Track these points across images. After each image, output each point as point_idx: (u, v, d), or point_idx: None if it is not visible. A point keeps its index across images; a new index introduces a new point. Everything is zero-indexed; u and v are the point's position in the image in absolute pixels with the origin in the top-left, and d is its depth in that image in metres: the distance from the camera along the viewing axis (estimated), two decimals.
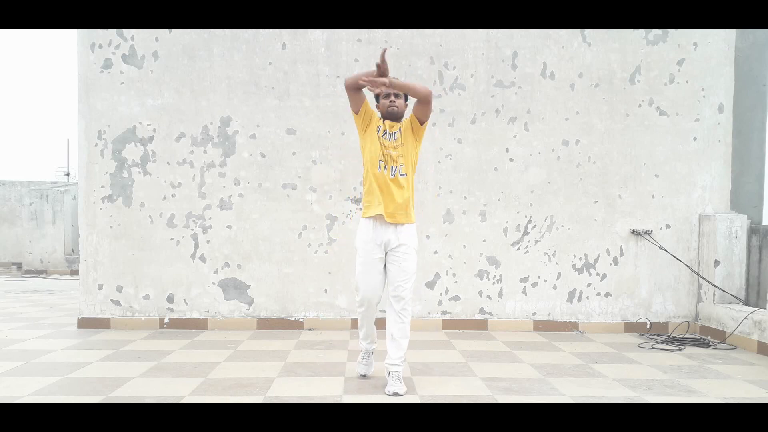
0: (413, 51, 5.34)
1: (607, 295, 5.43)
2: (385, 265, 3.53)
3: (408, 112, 3.61)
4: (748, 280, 5.27)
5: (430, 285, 5.41)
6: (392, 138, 3.50)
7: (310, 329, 5.36)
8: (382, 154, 3.48)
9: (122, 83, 5.29)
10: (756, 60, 5.32)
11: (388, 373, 3.48)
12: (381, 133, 3.51)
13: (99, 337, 4.98)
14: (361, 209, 4.70)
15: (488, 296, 5.42)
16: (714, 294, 5.21)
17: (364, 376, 3.73)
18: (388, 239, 3.47)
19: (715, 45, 5.37)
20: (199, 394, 3.34)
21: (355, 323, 5.31)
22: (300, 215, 5.37)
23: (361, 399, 3.28)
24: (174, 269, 5.35)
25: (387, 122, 3.53)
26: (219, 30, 5.30)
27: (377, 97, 3.56)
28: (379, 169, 3.49)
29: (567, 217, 5.40)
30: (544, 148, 5.39)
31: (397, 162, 3.49)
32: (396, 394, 3.37)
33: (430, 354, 4.42)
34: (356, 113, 3.56)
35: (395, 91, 3.45)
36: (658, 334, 5.26)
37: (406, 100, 3.55)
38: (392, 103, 3.47)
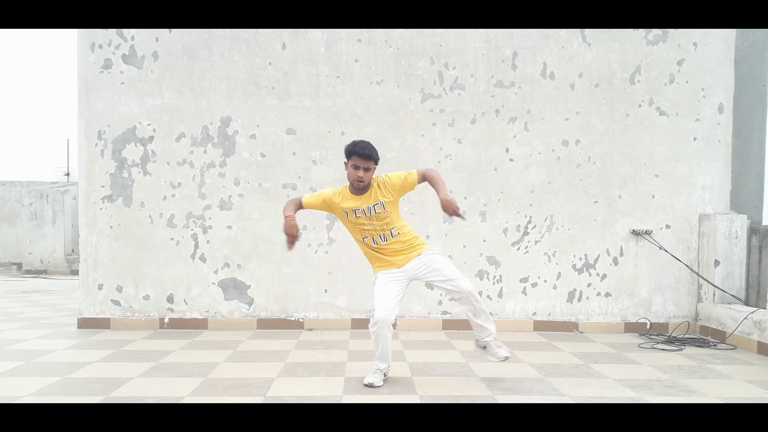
0: (413, 51, 5.34)
1: (607, 295, 5.43)
2: (406, 285, 3.61)
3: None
4: (748, 280, 5.27)
5: (430, 285, 5.40)
6: (372, 212, 3.49)
7: (310, 329, 5.36)
8: (364, 231, 3.52)
9: (122, 83, 5.29)
10: (756, 60, 5.32)
11: (484, 347, 3.69)
12: (354, 216, 3.50)
13: (99, 337, 4.98)
14: None
15: (488, 296, 5.41)
16: (714, 294, 5.20)
17: (370, 385, 3.50)
18: (413, 274, 3.57)
19: (715, 45, 5.37)
20: (199, 394, 3.34)
21: (355, 323, 5.32)
22: (300, 215, 5.35)
23: (361, 399, 3.28)
24: (174, 269, 5.35)
25: (356, 198, 3.49)
26: (219, 30, 5.30)
27: (348, 156, 3.46)
28: (365, 242, 3.56)
29: (567, 217, 5.40)
30: (544, 148, 5.39)
31: (383, 229, 3.52)
32: (506, 358, 3.62)
33: (430, 354, 4.42)
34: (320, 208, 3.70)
35: (366, 165, 3.40)
36: (658, 334, 5.26)
37: (374, 169, 3.47)
38: (360, 179, 3.42)
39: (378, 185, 3.51)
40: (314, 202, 3.67)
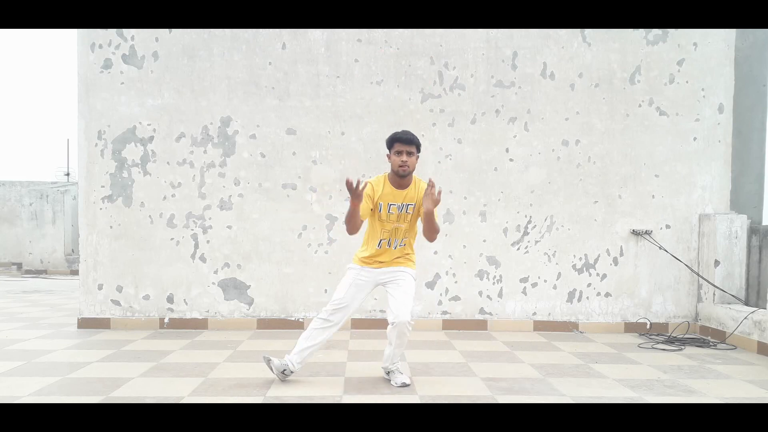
0: (413, 51, 5.34)
1: (607, 295, 5.43)
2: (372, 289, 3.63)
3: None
4: (748, 280, 5.27)
5: (430, 285, 5.41)
6: (404, 210, 3.49)
7: None
8: (385, 231, 3.50)
9: (122, 83, 5.29)
10: (756, 60, 5.32)
11: (388, 373, 3.60)
12: (387, 212, 3.47)
13: (99, 337, 4.98)
14: None
15: (488, 296, 5.41)
16: (714, 294, 5.20)
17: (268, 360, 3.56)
18: (380, 279, 3.56)
19: (715, 45, 5.37)
20: (199, 394, 3.34)
21: (355, 323, 5.30)
22: (300, 215, 5.36)
23: (361, 399, 3.28)
24: (174, 269, 5.35)
25: (396, 192, 3.47)
26: (219, 30, 5.30)
27: (390, 145, 3.45)
28: (381, 242, 3.52)
29: (567, 217, 5.40)
30: (544, 148, 5.39)
31: (402, 236, 3.53)
32: (404, 384, 3.50)
33: (430, 354, 4.42)
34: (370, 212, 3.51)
35: (408, 149, 3.39)
36: (658, 334, 5.26)
37: (417, 157, 3.47)
38: (404, 163, 3.40)
39: (418, 187, 3.51)
40: (365, 205, 3.44)
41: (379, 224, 3.52)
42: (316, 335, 3.54)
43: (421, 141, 5.41)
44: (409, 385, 3.53)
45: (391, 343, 3.50)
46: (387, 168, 3.60)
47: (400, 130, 3.54)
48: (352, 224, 3.40)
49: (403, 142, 3.40)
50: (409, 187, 3.50)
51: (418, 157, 3.49)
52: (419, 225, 3.56)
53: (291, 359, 3.56)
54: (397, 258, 3.57)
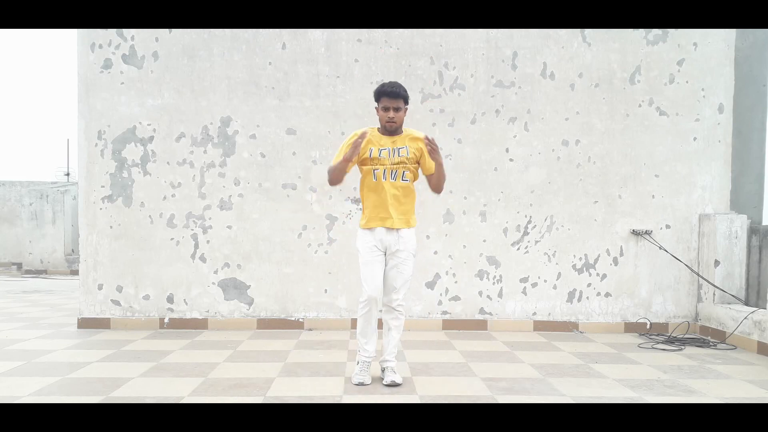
0: (413, 51, 5.34)
1: (607, 295, 5.43)
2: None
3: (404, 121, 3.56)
4: (748, 280, 5.27)
5: (430, 285, 5.41)
6: (396, 154, 3.45)
7: (310, 329, 5.36)
8: (377, 167, 3.47)
9: (122, 83, 5.29)
10: (756, 60, 5.32)
11: (383, 369, 3.60)
12: (378, 155, 3.45)
13: (99, 337, 4.98)
14: (360, 209, 4.70)
15: (488, 296, 5.41)
16: (714, 294, 5.20)
17: (361, 384, 3.55)
18: (387, 246, 3.52)
19: (715, 45, 5.37)
20: (199, 394, 3.34)
21: (355, 323, 5.27)
22: (300, 215, 5.36)
23: (361, 399, 3.28)
24: (174, 269, 5.35)
25: (384, 138, 3.46)
26: (219, 30, 5.30)
27: (377, 98, 3.46)
28: (375, 174, 3.47)
29: (567, 217, 5.40)
30: (544, 148, 5.39)
31: (398, 168, 3.47)
32: (394, 383, 3.49)
33: (430, 354, 4.42)
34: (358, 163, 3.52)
35: (396, 105, 3.38)
36: (658, 334, 5.26)
37: (405, 110, 3.46)
38: (391, 119, 3.40)
39: (411, 137, 3.49)
40: (348, 153, 3.40)
41: (370, 168, 3.47)
42: (370, 318, 3.53)
43: None
44: (399, 384, 3.52)
45: (390, 328, 3.55)
46: None
47: (386, 81, 3.51)
48: (336, 175, 3.44)
49: (390, 96, 3.35)
50: (401, 135, 3.50)
51: (406, 110, 3.46)
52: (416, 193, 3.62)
53: (364, 357, 3.57)
54: (402, 211, 3.49)
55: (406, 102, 3.45)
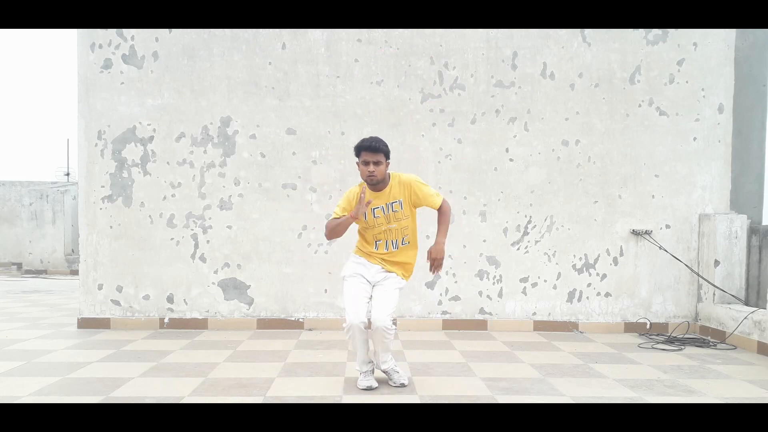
0: (413, 51, 5.34)
1: (607, 295, 5.43)
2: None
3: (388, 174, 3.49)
4: (748, 280, 5.27)
5: (430, 285, 5.41)
6: (390, 210, 3.41)
7: (310, 329, 5.36)
8: (378, 234, 3.45)
9: (122, 83, 5.29)
10: (756, 60, 5.32)
11: (385, 372, 3.57)
12: (373, 217, 3.41)
13: (99, 337, 4.98)
14: None
15: (488, 296, 5.41)
16: (714, 294, 5.20)
17: (369, 388, 3.47)
18: (375, 279, 3.50)
19: (715, 45, 5.36)
20: (199, 394, 3.34)
21: None
22: (300, 215, 5.36)
23: (361, 399, 3.28)
24: (174, 269, 5.35)
25: (373, 195, 3.40)
26: (219, 30, 5.30)
27: (357, 153, 3.39)
28: (377, 246, 3.47)
29: (567, 217, 5.40)
30: (544, 148, 5.38)
31: (398, 235, 3.45)
32: (403, 385, 3.49)
33: (430, 354, 4.42)
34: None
35: (375, 159, 3.32)
36: (658, 334, 5.26)
37: (387, 164, 3.40)
38: (371, 174, 3.34)
39: (399, 183, 3.44)
40: (348, 207, 3.43)
41: (370, 232, 3.48)
42: (356, 343, 3.45)
43: (421, 141, 5.43)
44: (407, 385, 3.52)
45: (374, 342, 3.44)
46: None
47: (366, 136, 3.49)
48: (336, 233, 3.38)
49: (369, 151, 3.33)
50: (388, 188, 3.44)
51: (388, 163, 3.41)
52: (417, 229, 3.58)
53: (362, 368, 3.53)
54: (398, 265, 3.51)
55: (387, 156, 3.39)
